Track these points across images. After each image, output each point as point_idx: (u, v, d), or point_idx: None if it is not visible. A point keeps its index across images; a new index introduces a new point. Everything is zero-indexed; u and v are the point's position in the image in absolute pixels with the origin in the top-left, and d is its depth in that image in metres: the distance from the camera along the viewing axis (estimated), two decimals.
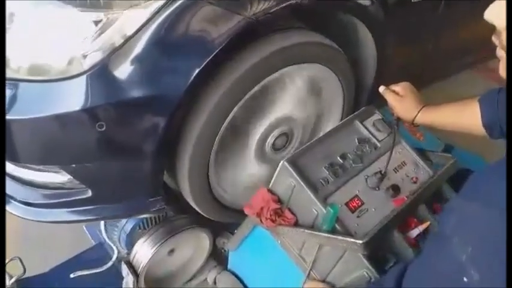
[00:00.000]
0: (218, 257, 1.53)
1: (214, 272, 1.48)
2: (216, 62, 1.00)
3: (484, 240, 0.52)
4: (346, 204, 0.99)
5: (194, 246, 1.45)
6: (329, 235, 0.92)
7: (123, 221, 1.39)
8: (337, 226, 0.94)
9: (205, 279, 1.51)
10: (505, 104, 0.94)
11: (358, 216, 0.98)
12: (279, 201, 1.04)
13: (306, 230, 0.96)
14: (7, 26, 0.96)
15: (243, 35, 1.02)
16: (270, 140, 1.33)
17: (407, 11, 1.36)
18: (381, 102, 1.24)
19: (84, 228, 1.59)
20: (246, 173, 1.39)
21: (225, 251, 1.53)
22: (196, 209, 1.30)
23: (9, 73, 0.97)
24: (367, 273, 0.91)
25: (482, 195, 0.56)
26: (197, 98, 1.06)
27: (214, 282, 1.47)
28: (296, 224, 1.02)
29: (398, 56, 1.48)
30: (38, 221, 1.18)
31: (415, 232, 0.98)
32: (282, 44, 1.13)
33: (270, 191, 1.06)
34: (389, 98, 1.15)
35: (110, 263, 1.41)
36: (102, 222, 1.41)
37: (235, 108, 1.14)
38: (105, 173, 1.08)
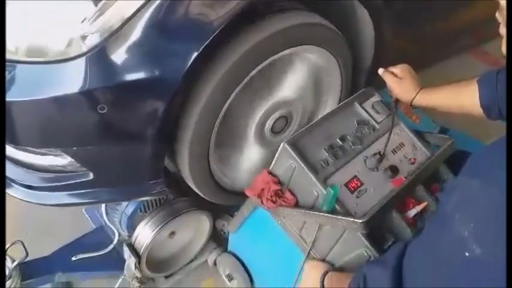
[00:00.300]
0: (218, 239, 1.55)
1: (214, 254, 1.50)
2: (215, 44, 0.99)
3: (485, 216, 0.54)
4: (346, 184, 1.00)
5: (194, 228, 1.47)
6: (329, 215, 0.93)
7: (124, 204, 1.39)
8: (337, 206, 0.96)
9: (206, 260, 1.53)
10: (503, 85, 0.96)
11: (357, 197, 0.99)
12: (279, 182, 1.05)
13: (307, 211, 0.98)
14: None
15: (242, 17, 1.01)
16: (270, 123, 1.34)
17: None
18: (379, 84, 1.25)
19: (84, 211, 1.60)
20: (246, 155, 1.40)
21: (224, 233, 1.56)
22: (197, 191, 1.32)
23: (7, 55, 0.96)
24: (367, 252, 0.93)
25: (483, 173, 0.58)
26: (196, 81, 1.06)
27: (215, 264, 1.50)
28: (296, 205, 1.03)
29: (396, 38, 1.48)
30: (39, 204, 1.19)
31: (412, 212, 1.00)
32: (280, 25, 1.12)
33: (270, 172, 1.07)
34: (388, 79, 1.16)
35: (111, 246, 1.44)
36: (103, 206, 1.43)
37: (235, 92, 1.13)
38: (107, 155, 1.09)
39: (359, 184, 1.01)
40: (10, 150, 1.13)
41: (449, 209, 0.59)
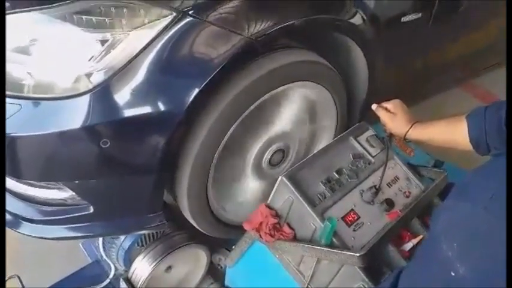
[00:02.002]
0: (215, 274, 1.54)
1: None
2: (215, 81, 1.03)
3: (467, 236, 0.57)
4: (343, 218, 1.02)
5: (191, 262, 1.47)
6: (327, 249, 0.95)
7: (122, 238, 1.40)
8: (334, 240, 0.97)
9: None
10: (491, 122, 0.99)
11: (354, 230, 1.01)
12: (277, 216, 1.07)
13: (305, 244, 0.99)
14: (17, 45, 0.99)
15: (242, 55, 1.06)
16: (267, 156, 1.36)
17: (397, 30, 1.42)
18: (373, 119, 1.29)
19: (81, 245, 1.59)
20: (244, 189, 1.42)
21: (221, 267, 1.55)
22: (195, 225, 1.32)
23: (14, 90, 0.99)
24: (364, 286, 0.94)
25: (466, 195, 0.61)
26: (197, 116, 1.09)
27: None
28: (294, 239, 1.05)
29: (389, 74, 1.53)
30: (39, 238, 1.18)
31: (409, 245, 1.02)
32: (278, 63, 1.17)
33: (268, 206, 1.09)
34: (382, 114, 1.20)
35: (107, 281, 1.43)
36: (100, 240, 1.43)
37: (234, 125, 1.17)
38: (108, 189, 1.10)
39: (356, 217, 1.03)
40: (11, 184, 1.14)
41: (437, 231, 0.63)
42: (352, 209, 1.04)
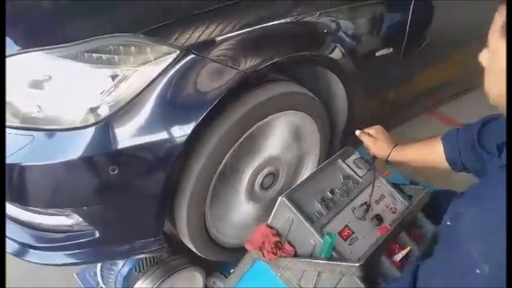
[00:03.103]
0: None
1: None
2: (213, 112, 1.12)
3: (491, 238, 0.68)
4: (339, 233, 1.11)
5: (188, 285, 1.50)
6: (329, 261, 1.03)
7: (120, 264, 1.43)
8: (333, 253, 1.06)
9: None
10: (463, 142, 1.14)
11: (350, 244, 1.10)
12: (278, 235, 1.15)
13: (307, 259, 1.07)
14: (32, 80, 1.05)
15: (236, 88, 1.16)
16: (259, 179, 1.45)
17: (372, 63, 1.57)
18: (353, 143, 1.41)
19: (75, 275, 1.60)
20: (238, 211, 1.49)
21: None
22: (193, 249, 1.38)
23: (28, 122, 1.05)
24: None
25: (484, 201, 0.72)
26: (194, 146, 1.17)
27: None
28: (295, 255, 1.12)
29: (365, 103, 1.67)
30: (45, 265, 1.21)
31: (398, 256, 1.12)
32: (268, 94, 1.28)
33: (268, 226, 1.17)
34: (365, 139, 1.33)
35: None
36: (98, 267, 1.45)
37: (228, 154, 1.25)
38: (114, 214, 1.16)
39: (350, 232, 1.12)
40: (17, 212, 1.17)
41: (460, 233, 0.73)
42: (346, 225, 1.14)
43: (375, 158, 1.32)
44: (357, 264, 0.98)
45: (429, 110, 2.33)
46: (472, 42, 2.02)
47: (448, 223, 0.81)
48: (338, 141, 1.73)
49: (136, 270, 1.43)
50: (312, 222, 1.10)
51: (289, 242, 1.14)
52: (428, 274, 0.81)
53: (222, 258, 1.49)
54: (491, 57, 0.82)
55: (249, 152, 1.40)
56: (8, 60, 1.06)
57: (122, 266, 1.42)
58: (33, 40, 1.10)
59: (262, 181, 1.46)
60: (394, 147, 1.29)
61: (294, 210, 1.10)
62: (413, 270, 0.85)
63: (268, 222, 1.17)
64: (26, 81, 1.06)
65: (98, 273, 1.45)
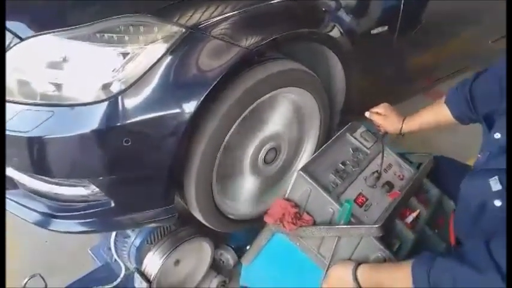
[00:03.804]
0: (217, 268, 1.66)
1: (215, 282, 1.62)
2: (218, 87, 1.18)
3: None
4: (355, 201, 1.18)
5: (197, 256, 1.58)
6: (349, 226, 1.10)
7: (133, 237, 1.50)
8: (351, 219, 1.13)
9: None
10: (462, 101, 1.22)
11: (365, 210, 1.18)
12: (296, 206, 1.21)
13: (328, 226, 1.14)
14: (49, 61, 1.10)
15: (239, 65, 1.22)
16: (262, 154, 1.51)
17: (369, 41, 1.64)
18: (352, 119, 1.47)
19: (89, 251, 1.68)
20: (243, 185, 1.55)
21: (223, 262, 1.67)
22: (203, 221, 1.44)
23: (48, 99, 1.10)
24: (381, 254, 1.10)
25: None
26: (200, 120, 1.23)
27: None
28: (315, 224, 1.19)
29: (363, 82, 1.74)
30: (65, 233, 1.28)
31: (409, 219, 1.20)
32: (269, 71, 1.34)
33: (286, 199, 1.23)
34: (376, 118, 1.41)
35: (119, 279, 1.51)
36: (112, 240, 1.51)
37: (233, 127, 1.31)
38: (127, 184, 1.21)
39: (365, 199, 1.20)
40: (39, 185, 1.23)
41: None
42: (360, 193, 1.21)
43: (385, 133, 1.40)
44: (377, 226, 1.05)
45: (425, 90, 2.41)
46: (468, 25, 2.15)
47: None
48: (337, 120, 1.79)
49: (148, 242, 1.49)
50: (329, 192, 1.17)
51: (307, 213, 1.20)
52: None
53: (230, 229, 1.57)
54: None
55: (252, 127, 1.45)
56: (25, 43, 1.11)
57: (135, 238, 1.49)
58: (46, 23, 1.12)
59: (265, 156, 1.52)
60: (404, 120, 1.37)
61: (312, 182, 1.16)
62: (484, 245, 0.83)
63: (286, 195, 1.23)
64: (43, 62, 1.10)
65: (112, 247, 1.50)
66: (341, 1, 1.48)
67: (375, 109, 1.42)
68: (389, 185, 1.24)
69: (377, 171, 1.25)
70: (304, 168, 1.20)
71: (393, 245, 1.15)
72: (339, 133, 1.37)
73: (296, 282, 1.30)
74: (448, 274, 0.83)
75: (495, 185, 0.95)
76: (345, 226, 1.11)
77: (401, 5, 1.64)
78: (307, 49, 1.58)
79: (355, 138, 1.36)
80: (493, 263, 0.78)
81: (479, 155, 1.11)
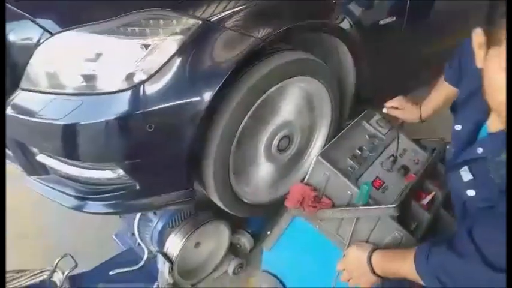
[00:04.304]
0: (235, 251, 1.74)
1: (233, 264, 1.70)
2: (233, 76, 1.24)
3: None
4: (372, 184, 1.23)
5: (216, 238, 1.66)
6: (367, 207, 1.15)
7: (155, 221, 1.58)
8: (369, 201, 1.18)
9: (226, 270, 1.71)
10: (457, 70, 1.26)
11: (382, 192, 1.23)
12: (315, 190, 1.26)
13: (347, 208, 1.18)
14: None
15: (253, 54, 1.27)
16: (275, 142, 1.56)
17: (377, 32, 1.68)
18: (363, 109, 1.52)
19: (114, 237, 1.78)
20: (258, 171, 1.60)
21: (240, 246, 1.75)
22: (221, 206, 1.49)
23: (78, 89, 1.16)
24: (398, 234, 1.15)
25: None
26: (217, 108, 1.28)
27: (234, 273, 1.70)
28: (333, 207, 1.24)
29: (372, 71, 1.78)
30: (94, 214, 1.36)
31: (426, 200, 1.25)
32: (282, 60, 1.39)
33: (305, 183, 1.27)
34: (395, 113, 1.45)
35: (142, 262, 1.62)
36: (136, 224, 1.59)
37: (248, 115, 1.36)
38: (151, 167, 1.27)
39: (381, 183, 1.24)
40: (71, 170, 1.30)
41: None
42: (377, 176, 1.25)
43: (402, 124, 1.44)
44: (394, 205, 1.10)
45: (433, 80, 2.44)
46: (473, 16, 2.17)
47: None
48: (347, 109, 1.84)
49: (169, 226, 1.58)
50: (347, 176, 1.21)
51: (326, 196, 1.25)
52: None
53: (248, 214, 1.63)
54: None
55: (265, 116, 1.50)
56: (55, 38, 1.17)
57: (157, 223, 1.58)
58: (74, 18, 1.19)
59: (278, 143, 1.57)
60: (420, 107, 1.42)
61: (330, 166, 1.21)
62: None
63: (305, 180, 1.28)
64: (71, 55, 1.18)
65: (136, 231, 1.58)
66: None
67: (390, 103, 1.46)
68: (405, 169, 1.29)
69: (393, 155, 1.30)
70: (323, 154, 1.24)
71: (410, 225, 1.20)
72: (354, 120, 1.41)
73: (316, 265, 1.36)
74: (440, 262, 0.89)
75: (466, 175, 0.98)
76: (364, 207, 1.16)
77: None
78: (318, 40, 1.62)
79: (371, 125, 1.40)
80: (474, 246, 0.84)
81: (448, 147, 1.16)
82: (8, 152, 1.40)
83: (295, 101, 1.57)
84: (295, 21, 1.36)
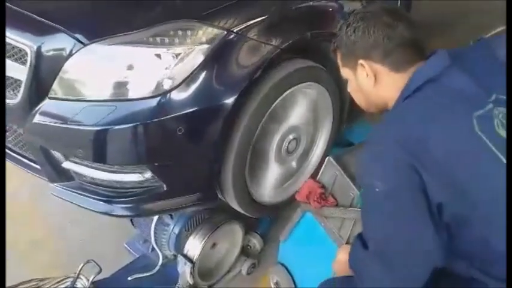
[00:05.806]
0: (246, 253, 1.81)
1: (246, 265, 1.78)
2: (252, 82, 1.35)
3: None
4: None
5: (230, 239, 1.73)
6: None
7: (172, 225, 1.65)
8: None
9: (240, 271, 1.79)
10: None
11: None
12: (323, 187, 1.37)
13: (347, 208, 1.30)
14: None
15: (270, 61, 1.38)
16: (285, 145, 1.67)
17: None
18: (359, 114, 1.63)
19: (125, 245, 1.84)
20: (269, 173, 1.70)
21: (250, 247, 1.83)
22: (239, 209, 1.59)
23: (112, 96, 1.24)
24: None
25: None
26: (237, 113, 1.37)
27: (248, 273, 1.78)
28: (337, 206, 1.35)
29: None
30: (125, 217, 1.44)
31: None
32: (290, 69, 1.50)
33: (316, 180, 1.38)
34: None
35: (157, 267, 1.67)
36: (152, 228, 1.63)
37: (263, 119, 1.46)
38: (178, 169, 1.36)
39: None
40: (100, 175, 1.37)
41: None
42: None
43: None
44: None
45: None
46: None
47: None
48: (346, 114, 1.95)
49: (186, 230, 1.64)
50: (352, 179, 1.31)
51: (332, 195, 1.37)
52: None
53: (261, 215, 1.74)
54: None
55: (276, 121, 1.61)
56: (88, 48, 1.25)
57: (174, 227, 1.64)
58: (107, 29, 1.28)
59: (287, 146, 1.68)
60: None
61: (338, 167, 1.33)
62: None
63: (318, 178, 1.39)
64: (104, 64, 1.26)
65: (152, 235, 1.62)
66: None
67: None
68: None
69: None
70: (336, 156, 1.36)
71: None
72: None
73: (320, 259, 1.44)
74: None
75: None
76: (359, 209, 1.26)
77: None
78: (324, 49, 1.74)
79: None
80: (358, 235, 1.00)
81: None
82: (27, 161, 1.46)
83: (302, 106, 1.69)
84: (305, 32, 1.48)
